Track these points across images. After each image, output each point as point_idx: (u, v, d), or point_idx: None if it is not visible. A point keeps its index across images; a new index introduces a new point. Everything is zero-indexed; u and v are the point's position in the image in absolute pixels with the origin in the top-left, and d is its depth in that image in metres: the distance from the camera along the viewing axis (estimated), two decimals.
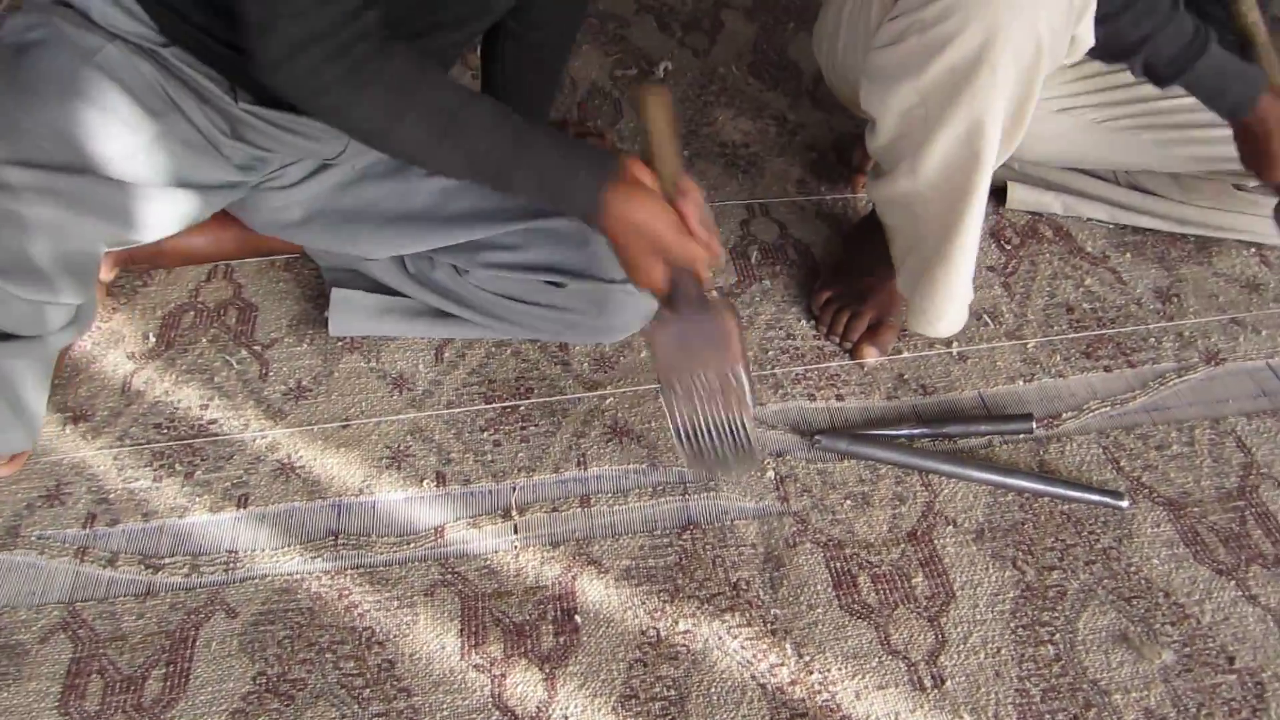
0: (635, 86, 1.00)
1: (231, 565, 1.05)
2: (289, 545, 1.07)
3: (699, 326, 0.99)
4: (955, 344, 1.27)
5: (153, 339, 1.27)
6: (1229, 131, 1.19)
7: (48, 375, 1.10)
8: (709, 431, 1.01)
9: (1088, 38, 1.00)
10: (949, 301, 1.15)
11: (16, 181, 0.90)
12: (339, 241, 1.19)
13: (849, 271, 1.30)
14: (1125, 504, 1.10)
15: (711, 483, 1.10)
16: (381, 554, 1.07)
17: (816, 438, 1.15)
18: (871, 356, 1.24)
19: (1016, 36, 0.93)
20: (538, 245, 1.15)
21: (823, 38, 1.27)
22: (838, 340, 1.26)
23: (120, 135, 0.96)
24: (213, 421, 1.18)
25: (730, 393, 0.99)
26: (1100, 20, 1.02)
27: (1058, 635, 1.00)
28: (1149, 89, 1.22)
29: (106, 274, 1.27)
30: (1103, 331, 1.28)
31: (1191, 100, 1.17)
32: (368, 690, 0.96)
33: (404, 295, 1.25)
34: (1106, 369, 1.24)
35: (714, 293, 1.30)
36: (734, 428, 1.00)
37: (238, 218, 1.25)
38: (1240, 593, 1.04)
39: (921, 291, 1.16)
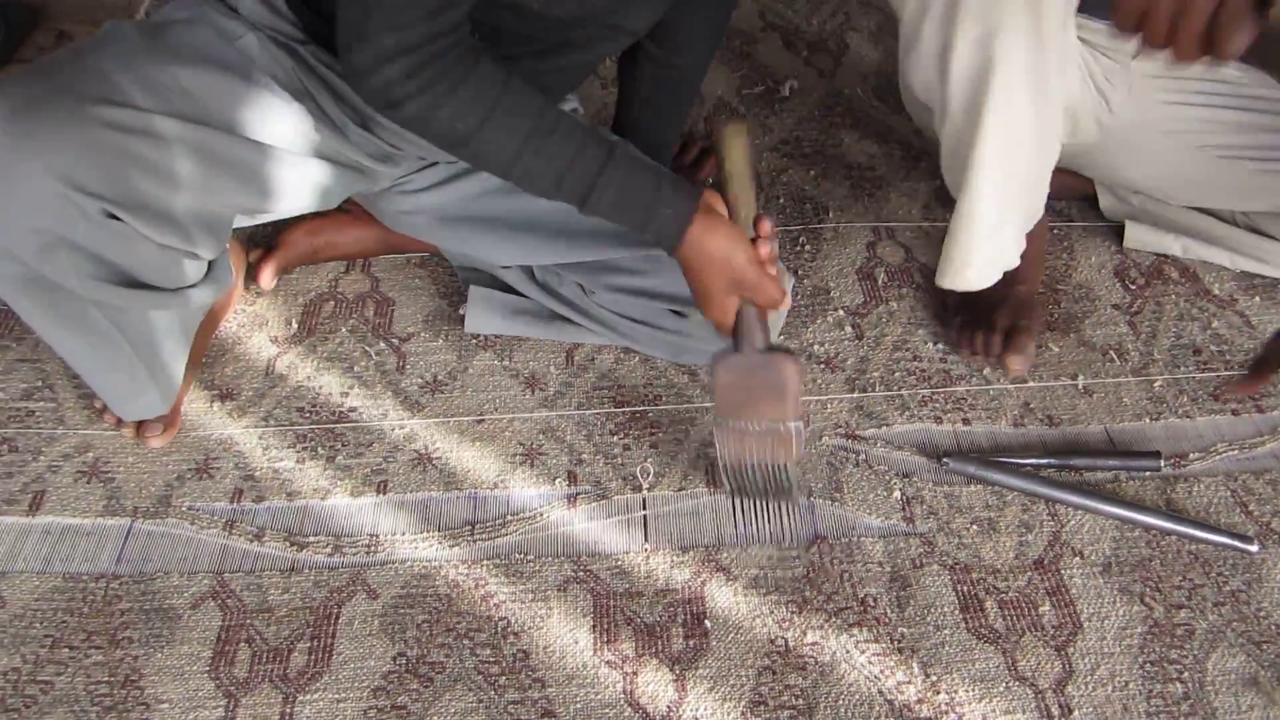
0: (715, 119, 1.02)
1: (372, 548, 1.09)
2: (427, 532, 1.10)
3: (762, 371, 1.02)
4: (1080, 378, 1.27)
5: (295, 325, 1.31)
6: None
7: (187, 341, 1.14)
8: (753, 471, 1.06)
9: None
10: (973, 244, 1.14)
11: (168, 133, 0.93)
12: (467, 246, 1.23)
13: (975, 293, 1.31)
14: (1255, 548, 1.09)
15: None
16: (516, 536, 1.10)
17: (944, 460, 1.16)
18: (1019, 365, 1.24)
19: None
20: (663, 273, 1.17)
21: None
22: (982, 358, 1.27)
23: (257, 101, 0.99)
24: (353, 409, 1.22)
25: (780, 442, 1.04)
26: None
27: (1186, 674, 1.00)
28: (1250, 118, 1.24)
29: (269, 282, 1.32)
30: (1231, 373, 1.28)
31: None
32: (504, 678, 0.99)
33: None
34: (1234, 412, 1.24)
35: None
36: (777, 471, 1.06)
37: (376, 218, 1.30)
38: None
39: (950, 238, 1.16)
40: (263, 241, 1.37)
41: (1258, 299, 1.38)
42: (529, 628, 1.03)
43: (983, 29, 1.01)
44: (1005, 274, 1.24)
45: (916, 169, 1.56)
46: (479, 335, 1.30)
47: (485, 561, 1.08)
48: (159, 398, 1.13)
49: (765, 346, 1.03)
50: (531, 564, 1.08)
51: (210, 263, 1.09)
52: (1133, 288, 1.39)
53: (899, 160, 1.58)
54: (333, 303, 1.35)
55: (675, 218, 0.98)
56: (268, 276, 1.32)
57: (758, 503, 1.09)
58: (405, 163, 1.17)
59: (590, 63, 1.16)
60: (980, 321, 1.28)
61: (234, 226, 1.07)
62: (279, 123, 1.01)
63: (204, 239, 1.02)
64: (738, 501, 1.11)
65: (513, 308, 1.26)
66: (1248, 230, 1.40)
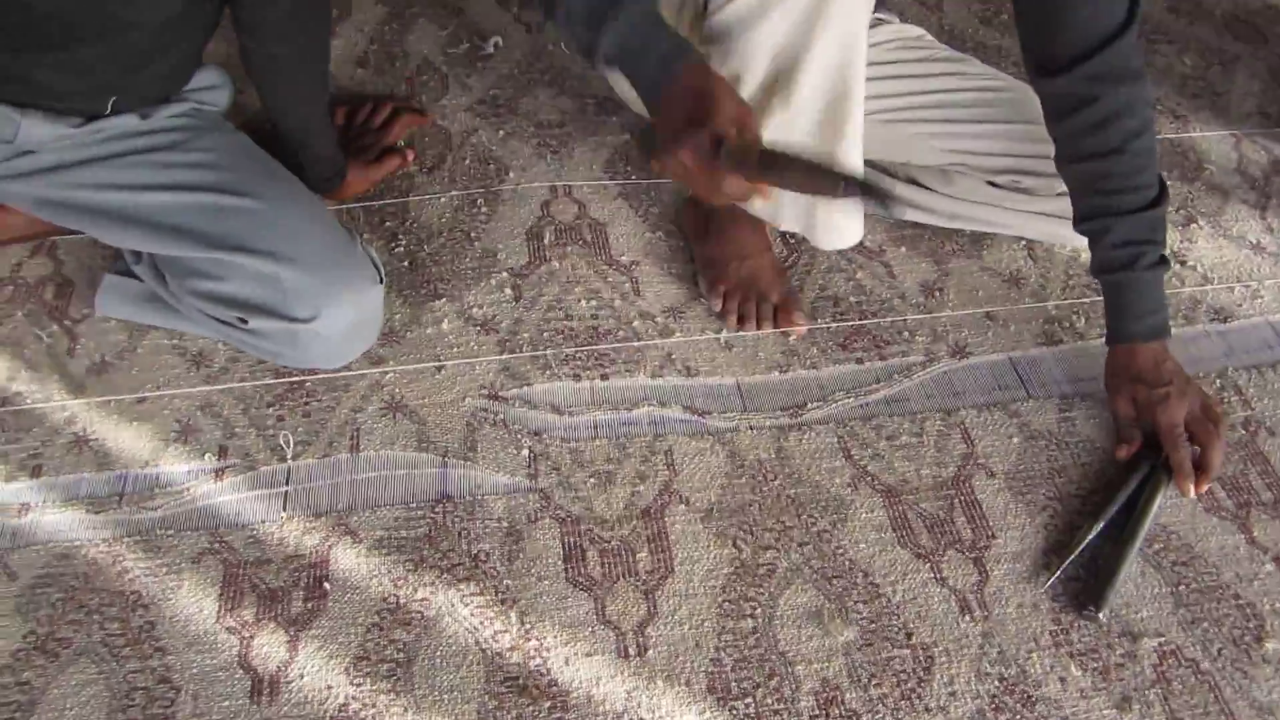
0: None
1: (17, 533, 1.15)
2: (74, 513, 1.16)
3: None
4: (723, 333, 1.36)
5: None
6: (973, 127, 1.32)
7: None
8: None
9: None
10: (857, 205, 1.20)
11: None
12: (77, 225, 1.25)
13: (724, 260, 1.39)
14: None
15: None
16: (160, 512, 1.17)
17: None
18: (804, 320, 1.36)
19: None
20: (235, 278, 1.19)
21: None
22: (755, 328, 1.36)
23: None
24: (18, 394, 1.27)
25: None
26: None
27: (759, 610, 1.12)
28: (908, 85, 1.33)
29: None
30: (861, 323, 1.38)
31: (943, 96, 1.29)
32: (127, 649, 1.07)
33: None
34: (859, 361, 1.34)
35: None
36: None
37: None
38: (932, 575, 1.15)
39: (826, 202, 1.21)
40: None
41: (904, 249, 1.47)
42: (158, 600, 1.10)
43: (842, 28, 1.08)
44: (757, 244, 1.37)
45: (606, 124, 1.62)
46: None
47: (127, 539, 1.15)
48: None
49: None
50: (171, 538, 1.15)
51: None
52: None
53: (591, 115, 1.64)
54: (11, 287, 1.38)
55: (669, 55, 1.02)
56: None
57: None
58: None
59: (117, 56, 1.15)
60: (744, 292, 1.37)
61: None
62: None
63: None
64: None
65: (145, 295, 1.30)
66: (906, 181, 1.49)
